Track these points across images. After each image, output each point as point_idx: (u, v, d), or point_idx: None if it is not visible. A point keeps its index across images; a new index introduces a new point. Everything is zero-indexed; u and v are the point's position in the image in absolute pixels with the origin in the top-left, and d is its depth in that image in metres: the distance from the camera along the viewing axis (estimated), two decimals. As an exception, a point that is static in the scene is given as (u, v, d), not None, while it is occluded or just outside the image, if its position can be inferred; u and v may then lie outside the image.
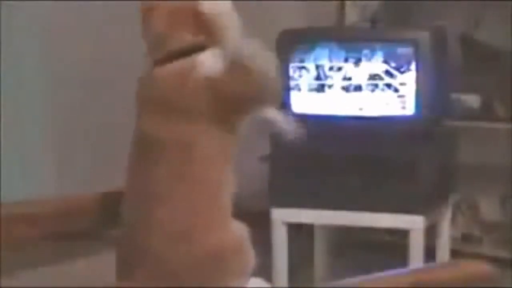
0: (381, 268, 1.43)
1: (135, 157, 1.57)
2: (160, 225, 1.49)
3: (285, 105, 3.01)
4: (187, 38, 1.57)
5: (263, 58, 1.60)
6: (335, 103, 2.96)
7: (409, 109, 2.87)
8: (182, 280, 1.47)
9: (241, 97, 1.56)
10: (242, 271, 1.55)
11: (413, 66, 2.84)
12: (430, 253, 3.00)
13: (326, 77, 2.96)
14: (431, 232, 3.05)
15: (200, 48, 1.57)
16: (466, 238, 3.71)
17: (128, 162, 1.59)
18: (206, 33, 1.58)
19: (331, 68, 2.95)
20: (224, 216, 1.54)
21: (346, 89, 2.95)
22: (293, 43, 2.99)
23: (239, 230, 1.56)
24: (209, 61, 1.55)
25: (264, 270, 1.64)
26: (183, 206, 1.50)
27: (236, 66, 1.55)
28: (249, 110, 1.58)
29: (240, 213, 1.59)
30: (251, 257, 1.57)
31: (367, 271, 1.45)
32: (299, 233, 3.27)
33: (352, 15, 3.83)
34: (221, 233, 1.52)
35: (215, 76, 1.54)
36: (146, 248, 1.50)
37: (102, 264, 1.66)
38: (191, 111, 1.53)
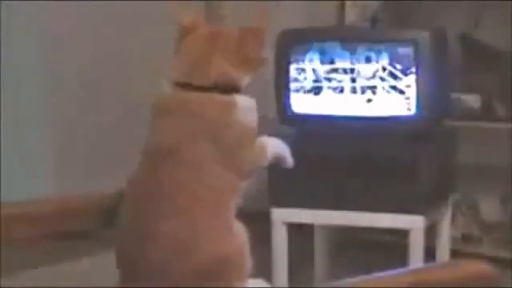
0: (381, 268, 1.43)
1: (144, 166, 1.56)
2: (163, 237, 1.49)
3: (285, 105, 3.01)
4: (228, 73, 1.55)
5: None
6: (334, 103, 2.96)
7: (409, 109, 2.87)
8: None
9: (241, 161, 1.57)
10: (242, 276, 1.55)
11: (413, 66, 2.84)
12: (430, 253, 3.00)
13: (326, 77, 2.96)
14: (431, 232, 3.05)
15: (235, 87, 1.57)
16: (466, 238, 3.71)
17: (137, 170, 1.58)
18: (244, 71, 1.58)
19: (330, 68, 2.95)
20: (227, 225, 1.54)
21: (345, 89, 2.95)
22: (293, 43, 2.99)
23: (240, 236, 1.56)
24: (245, 108, 1.56)
25: (264, 270, 1.64)
26: (185, 217, 1.50)
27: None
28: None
29: (240, 213, 1.59)
30: (249, 262, 1.57)
31: (367, 271, 1.45)
32: (299, 233, 3.27)
33: (352, 15, 3.83)
34: (223, 242, 1.51)
35: (246, 123, 1.55)
36: (149, 260, 1.49)
37: (102, 264, 1.66)
38: (217, 141, 1.52)
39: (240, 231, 1.56)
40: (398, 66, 2.87)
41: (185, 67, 1.57)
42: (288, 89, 2.98)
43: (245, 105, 1.57)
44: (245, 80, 1.59)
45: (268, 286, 1.68)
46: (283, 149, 1.71)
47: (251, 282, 1.59)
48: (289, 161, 1.73)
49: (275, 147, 1.68)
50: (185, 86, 1.56)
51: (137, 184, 1.56)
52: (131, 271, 1.53)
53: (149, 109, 1.61)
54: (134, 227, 1.53)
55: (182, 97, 1.55)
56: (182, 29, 1.61)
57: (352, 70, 2.93)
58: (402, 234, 2.96)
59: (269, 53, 1.64)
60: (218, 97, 1.54)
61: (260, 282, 1.65)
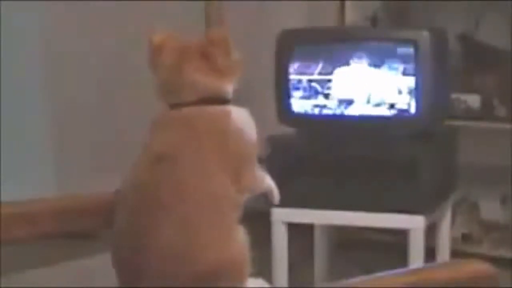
0: (381, 268, 1.43)
1: (140, 173, 1.56)
2: (161, 246, 1.48)
3: (285, 105, 3.01)
4: (208, 87, 1.58)
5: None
6: (334, 104, 2.96)
7: (409, 109, 2.86)
8: None
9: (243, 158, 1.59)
10: (240, 280, 1.55)
11: (413, 66, 2.84)
12: (430, 253, 3.00)
13: (326, 77, 2.96)
14: (431, 232, 3.05)
15: (220, 98, 1.59)
16: (466, 238, 3.71)
17: (132, 172, 1.57)
18: (220, 75, 1.59)
19: (330, 68, 2.95)
20: (226, 232, 1.54)
21: (345, 89, 2.95)
22: (293, 43, 2.99)
23: (240, 242, 1.55)
24: (239, 116, 1.59)
25: (264, 270, 1.64)
26: (184, 223, 1.49)
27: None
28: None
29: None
30: (249, 267, 1.56)
31: (367, 271, 1.45)
32: (299, 233, 3.27)
33: (352, 15, 3.83)
34: (222, 250, 1.51)
35: (242, 130, 1.57)
36: (148, 268, 1.49)
37: (102, 264, 1.66)
38: (221, 149, 1.54)
39: (240, 237, 1.55)
40: (398, 66, 2.87)
41: (167, 88, 1.61)
42: (288, 89, 2.98)
43: (240, 115, 1.59)
44: (228, 89, 1.61)
45: (268, 286, 1.68)
46: (274, 185, 1.75)
47: (251, 282, 1.59)
48: (276, 199, 1.76)
49: (270, 181, 1.72)
50: (175, 106, 1.59)
51: (133, 190, 1.55)
52: (129, 276, 1.52)
53: (147, 121, 1.63)
54: (132, 235, 1.52)
55: (178, 113, 1.58)
56: (153, 48, 1.64)
57: (352, 70, 2.93)
58: (402, 234, 2.96)
59: (239, 55, 1.63)
60: (210, 108, 1.57)
61: (260, 282, 1.65)
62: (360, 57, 2.92)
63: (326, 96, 2.97)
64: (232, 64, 1.61)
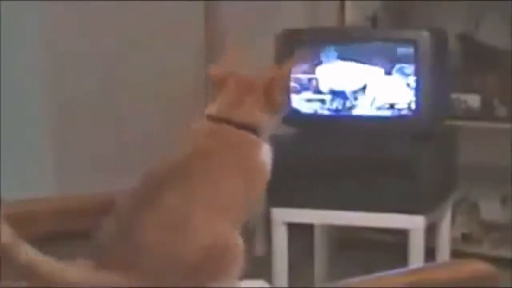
0: (381, 268, 1.43)
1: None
2: (158, 214, 1.49)
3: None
4: (257, 118, 1.66)
5: None
6: (334, 103, 2.96)
7: (409, 109, 2.87)
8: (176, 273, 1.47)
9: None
10: (230, 272, 1.54)
11: (413, 66, 2.84)
12: (430, 253, 3.00)
13: (326, 77, 2.96)
14: (431, 232, 3.05)
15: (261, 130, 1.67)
16: (466, 238, 3.71)
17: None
18: (270, 111, 1.68)
19: (330, 68, 2.95)
20: (227, 221, 1.54)
21: (345, 89, 2.95)
22: (293, 43, 2.99)
23: (235, 241, 1.56)
24: (268, 155, 1.66)
25: (264, 270, 1.64)
26: (186, 195, 1.51)
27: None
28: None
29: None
30: (238, 265, 1.56)
31: (367, 271, 1.45)
32: (299, 233, 3.27)
33: (352, 15, 3.83)
34: (218, 232, 1.51)
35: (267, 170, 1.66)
36: (140, 243, 1.49)
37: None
38: (247, 176, 1.61)
39: (236, 240, 1.56)
40: (398, 66, 2.87)
41: (220, 106, 1.67)
42: (288, 89, 2.97)
43: (267, 152, 1.67)
44: (273, 124, 1.71)
45: (269, 286, 1.68)
46: None
47: (252, 283, 1.59)
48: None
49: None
50: (219, 120, 1.65)
51: (144, 180, 1.57)
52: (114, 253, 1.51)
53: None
54: (123, 227, 1.53)
55: (220, 126, 1.65)
56: (214, 80, 1.71)
57: (352, 70, 2.93)
58: (402, 234, 2.96)
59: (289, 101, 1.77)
60: (249, 135, 1.65)
61: (261, 283, 1.65)
62: (359, 57, 2.92)
63: (325, 96, 2.97)
64: (284, 103, 1.71)
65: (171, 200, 1.50)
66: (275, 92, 1.69)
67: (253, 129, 1.66)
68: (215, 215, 1.53)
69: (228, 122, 1.64)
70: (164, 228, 1.48)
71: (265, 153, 1.66)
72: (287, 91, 1.73)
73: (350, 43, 2.98)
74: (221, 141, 1.62)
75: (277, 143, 1.62)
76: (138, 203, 1.52)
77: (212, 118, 1.65)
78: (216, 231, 1.51)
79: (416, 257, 2.84)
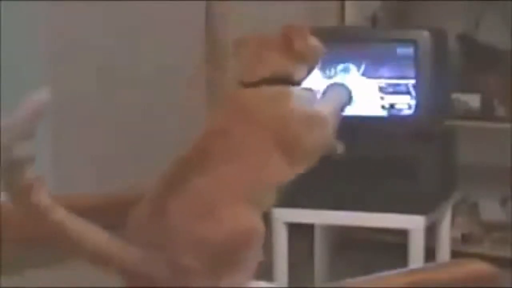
0: (381, 268, 1.43)
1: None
2: (186, 198, 1.50)
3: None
4: (279, 65, 1.68)
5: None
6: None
7: (409, 109, 2.87)
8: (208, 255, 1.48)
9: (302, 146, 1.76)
10: (249, 266, 1.55)
11: (413, 66, 2.84)
12: (430, 253, 3.00)
13: (326, 77, 2.96)
14: (431, 232, 3.05)
15: (289, 79, 1.69)
16: (466, 238, 3.71)
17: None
18: (296, 63, 1.73)
19: (330, 68, 2.95)
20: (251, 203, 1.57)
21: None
22: (293, 43, 2.98)
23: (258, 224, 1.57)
24: (302, 97, 1.70)
25: (264, 270, 1.64)
26: (212, 178, 1.52)
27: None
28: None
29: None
30: (258, 257, 1.57)
31: (367, 271, 1.45)
32: (299, 233, 3.27)
33: (352, 15, 3.83)
34: (240, 217, 1.53)
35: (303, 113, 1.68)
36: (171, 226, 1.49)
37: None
38: (270, 133, 1.62)
39: (255, 224, 1.56)
40: (398, 66, 2.87)
41: (241, 69, 1.69)
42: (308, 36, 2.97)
43: (299, 94, 1.69)
44: (300, 73, 1.74)
45: (269, 286, 1.68)
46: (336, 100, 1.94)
47: (252, 283, 1.59)
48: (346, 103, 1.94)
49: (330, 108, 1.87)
50: (244, 84, 1.66)
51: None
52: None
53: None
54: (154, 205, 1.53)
55: (241, 93, 1.65)
56: (235, 43, 1.73)
57: (351, 70, 2.93)
58: (402, 234, 2.96)
59: (321, 46, 1.82)
60: (268, 89, 1.64)
61: (262, 283, 1.65)
62: (359, 57, 2.92)
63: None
64: (308, 49, 1.76)
65: (198, 184, 1.51)
66: (293, 39, 1.71)
67: (284, 80, 1.66)
68: (239, 198, 1.54)
69: (256, 84, 1.63)
70: (191, 211, 1.49)
71: (299, 100, 1.67)
72: (306, 38, 1.77)
73: (350, 43, 2.98)
74: (242, 113, 1.61)
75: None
76: (167, 186, 1.53)
77: (243, 84, 1.65)
78: (237, 216, 1.53)
79: (416, 257, 2.84)
